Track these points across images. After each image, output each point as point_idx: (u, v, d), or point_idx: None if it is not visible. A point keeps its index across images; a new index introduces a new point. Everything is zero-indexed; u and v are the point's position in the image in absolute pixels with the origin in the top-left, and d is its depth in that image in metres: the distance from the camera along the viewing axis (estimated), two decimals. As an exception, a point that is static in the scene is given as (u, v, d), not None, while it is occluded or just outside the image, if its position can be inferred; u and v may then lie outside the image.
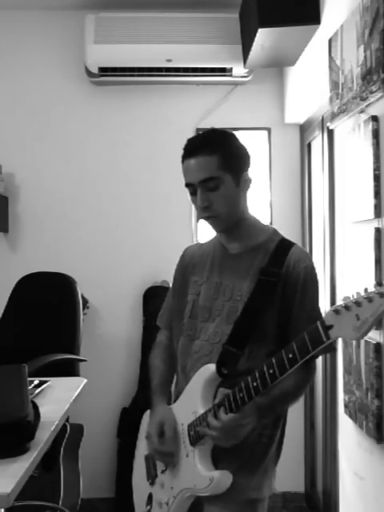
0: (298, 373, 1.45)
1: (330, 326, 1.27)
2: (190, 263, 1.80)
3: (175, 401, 1.70)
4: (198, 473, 1.50)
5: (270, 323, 1.58)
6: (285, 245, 1.67)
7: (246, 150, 1.71)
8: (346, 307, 1.23)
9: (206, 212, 1.64)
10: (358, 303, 1.22)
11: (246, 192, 1.70)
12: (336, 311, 1.25)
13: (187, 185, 1.65)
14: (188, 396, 1.60)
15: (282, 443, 1.68)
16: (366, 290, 1.24)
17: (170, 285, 1.89)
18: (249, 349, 1.56)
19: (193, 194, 1.65)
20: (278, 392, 1.48)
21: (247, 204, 1.72)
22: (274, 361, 1.38)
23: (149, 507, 1.69)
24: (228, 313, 1.63)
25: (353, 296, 1.24)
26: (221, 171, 1.61)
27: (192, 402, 1.56)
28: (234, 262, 1.68)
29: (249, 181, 1.68)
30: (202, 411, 1.52)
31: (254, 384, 1.41)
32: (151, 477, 1.71)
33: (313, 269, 1.65)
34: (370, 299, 1.21)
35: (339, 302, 1.27)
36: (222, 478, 1.47)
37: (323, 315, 1.30)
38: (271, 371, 1.38)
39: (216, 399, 1.49)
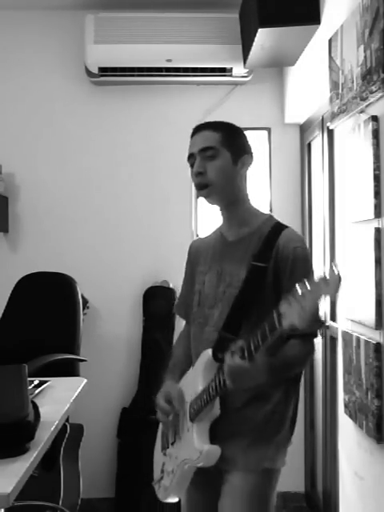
0: (299, 346, 1.59)
1: (281, 314, 1.36)
2: (196, 256, 1.91)
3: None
4: (193, 445, 1.63)
5: (263, 303, 1.63)
6: (277, 229, 1.72)
7: (248, 141, 1.85)
8: (294, 297, 1.33)
9: (199, 178, 1.74)
10: (299, 294, 1.32)
11: (243, 175, 1.78)
12: (286, 300, 1.35)
13: (188, 158, 1.78)
14: (191, 377, 1.75)
15: (295, 422, 1.75)
16: (307, 283, 1.33)
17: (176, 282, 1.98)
18: (244, 332, 1.63)
19: (192, 166, 1.77)
20: (288, 357, 1.59)
21: (247, 191, 1.81)
22: (245, 345, 1.48)
23: (162, 475, 1.81)
24: (229, 299, 1.70)
25: (297, 287, 1.34)
26: (220, 145, 1.74)
27: (194, 382, 1.70)
28: (231, 249, 1.77)
29: (248, 163, 1.78)
30: (201, 389, 1.65)
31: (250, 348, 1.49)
32: (164, 448, 1.84)
33: (304, 250, 1.70)
34: (309, 289, 1.31)
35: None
36: (211, 451, 1.60)
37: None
38: (255, 343, 1.46)
39: (232, 347, 1.54)
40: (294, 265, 1.65)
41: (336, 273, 1.32)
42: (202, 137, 1.77)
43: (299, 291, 1.33)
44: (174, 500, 1.80)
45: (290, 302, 1.35)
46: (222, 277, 1.75)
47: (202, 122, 1.84)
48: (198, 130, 1.80)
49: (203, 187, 1.75)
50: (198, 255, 1.90)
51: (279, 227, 1.74)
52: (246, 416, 1.67)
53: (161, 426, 1.91)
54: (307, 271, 1.66)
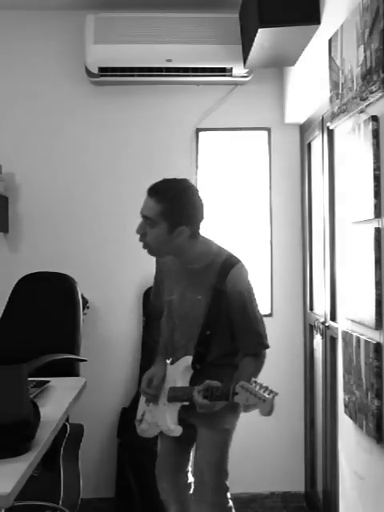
0: (254, 362, 2.18)
1: (237, 393, 1.97)
2: (162, 266, 2.34)
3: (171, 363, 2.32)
4: (165, 419, 2.23)
5: (224, 328, 2.17)
6: (227, 266, 2.14)
7: (197, 207, 2.14)
8: (246, 390, 1.94)
9: (141, 238, 2.16)
10: (250, 391, 1.93)
11: (183, 239, 2.11)
12: (242, 387, 1.95)
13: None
14: (175, 369, 2.25)
15: None
16: (261, 385, 1.94)
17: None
18: (212, 348, 2.17)
19: None
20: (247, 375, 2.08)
21: (190, 242, 2.15)
22: (212, 389, 2.06)
23: (141, 418, 2.37)
24: (193, 317, 2.18)
25: (256, 383, 1.94)
26: (158, 217, 2.07)
27: (176, 375, 2.24)
28: (191, 277, 2.20)
29: (185, 233, 2.10)
30: (179, 384, 2.21)
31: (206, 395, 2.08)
32: (148, 402, 2.36)
33: (248, 292, 2.16)
34: (255, 395, 1.92)
35: (254, 380, 1.97)
36: (174, 429, 2.21)
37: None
38: (216, 394, 2.05)
39: (201, 386, 2.10)
40: (241, 303, 2.14)
41: (271, 401, 1.89)
42: (147, 204, 2.10)
43: (250, 389, 1.92)
44: (147, 437, 2.36)
45: (243, 388, 1.94)
46: (184, 297, 2.21)
47: (157, 183, 2.12)
48: (148, 192, 2.11)
49: (144, 245, 2.16)
50: (164, 266, 2.32)
51: (228, 264, 2.14)
52: None
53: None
54: (252, 307, 2.17)
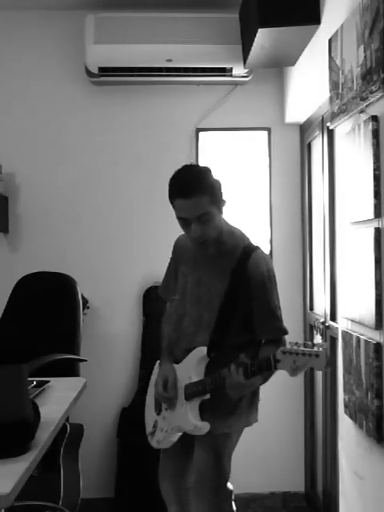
0: (274, 349, 1.94)
1: (278, 361, 1.86)
2: (180, 253, 2.32)
3: (176, 362, 2.26)
4: (188, 419, 2.15)
5: (241, 314, 2.11)
6: (248, 250, 2.14)
7: (220, 184, 2.13)
8: (290, 353, 1.83)
9: (200, 239, 2.09)
10: (296, 353, 1.81)
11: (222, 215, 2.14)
12: (283, 352, 1.85)
13: (180, 218, 2.08)
14: (186, 365, 2.19)
15: (256, 393, 2.25)
16: (305, 344, 1.83)
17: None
18: (227, 334, 2.12)
19: (185, 225, 2.08)
20: None
21: (223, 218, 2.16)
22: (249, 364, 1.96)
23: (154, 429, 2.32)
24: (207, 302, 2.16)
25: (297, 344, 1.83)
26: (211, 206, 2.05)
27: (189, 370, 2.17)
28: (210, 261, 2.18)
29: (225, 203, 2.13)
30: (195, 379, 2.14)
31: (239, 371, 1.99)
32: (158, 410, 2.32)
33: (269, 272, 2.13)
34: (303, 353, 1.80)
35: (293, 342, 1.85)
36: (202, 426, 2.12)
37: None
38: (252, 369, 1.97)
39: (238, 360, 1.99)
40: (261, 287, 2.10)
41: (325, 352, 1.76)
42: (195, 204, 2.02)
43: (295, 350, 1.80)
44: (164, 448, 2.32)
45: (286, 353, 1.83)
46: (201, 282, 2.18)
47: (187, 181, 2.06)
48: (186, 195, 2.03)
49: (203, 242, 2.10)
50: (182, 253, 2.29)
51: (249, 249, 2.14)
52: (226, 396, 2.07)
53: (151, 391, 2.36)
54: (272, 290, 2.13)
